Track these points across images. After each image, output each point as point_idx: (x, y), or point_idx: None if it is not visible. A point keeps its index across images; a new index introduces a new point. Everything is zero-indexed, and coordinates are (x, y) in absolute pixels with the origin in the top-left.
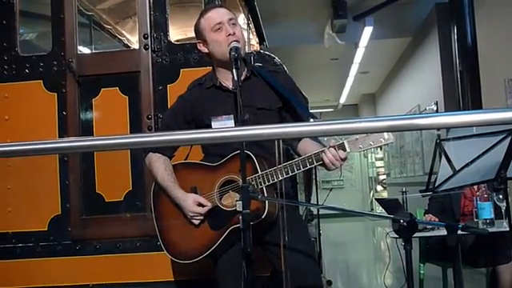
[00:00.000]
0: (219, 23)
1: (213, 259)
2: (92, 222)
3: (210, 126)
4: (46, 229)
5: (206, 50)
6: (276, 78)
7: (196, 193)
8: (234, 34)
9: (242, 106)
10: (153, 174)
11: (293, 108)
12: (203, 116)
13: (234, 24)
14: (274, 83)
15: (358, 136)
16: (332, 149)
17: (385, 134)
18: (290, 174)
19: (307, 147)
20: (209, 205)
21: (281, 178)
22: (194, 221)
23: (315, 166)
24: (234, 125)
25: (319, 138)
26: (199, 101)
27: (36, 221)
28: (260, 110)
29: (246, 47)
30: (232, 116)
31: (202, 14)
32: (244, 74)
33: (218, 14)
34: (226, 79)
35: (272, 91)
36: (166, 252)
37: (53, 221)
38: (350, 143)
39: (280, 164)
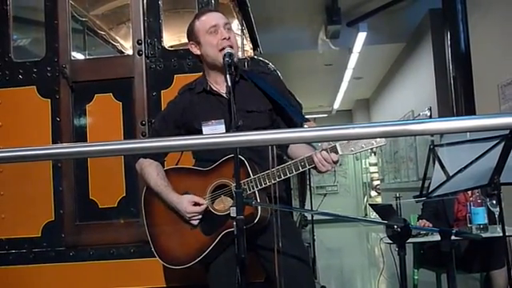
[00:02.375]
0: (215, 26)
1: (205, 265)
2: (85, 229)
3: (200, 131)
4: (39, 235)
5: (198, 52)
6: (265, 79)
7: None
8: (229, 38)
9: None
10: (145, 180)
11: (283, 110)
12: (194, 121)
13: (228, 29)
14: (263, 85)
15: None
16: (323, 151)
17: None
18: (283, 178)
19: (298, 150)
20: (205, 203)
21: (273, 182)
22: (192, 221)
23: (309, 171)
24: (224, 130)
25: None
26: (190, 106)
27: (29, 227)
28: (250, 113)
29: (240, 53)
30: (223, 121)
31: (196, 17)
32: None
33: (214, 18)
34: (217, 83)
35: (262, 93)
36: (158, 258)
37: (46, 227)
38: (342, 146)
39: (274, 166)
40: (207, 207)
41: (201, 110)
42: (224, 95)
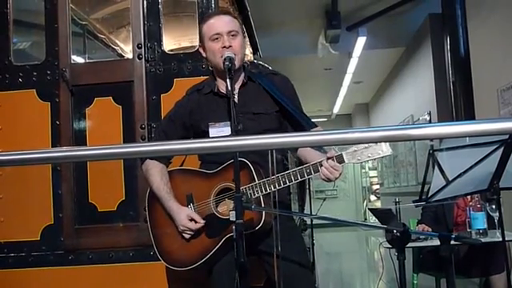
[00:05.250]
0: (217, 33)
1: (207, 268)
2: (85, 232)
3: (207, 133)
4: (38, 238)
5: (204, 55)
6: (273, 80)
7: (192, 200)
8: (230, 46)
9: (239, 112)
10: (149, 182)
11: (290, 113)
12: (201, 122)
13: (233, 35)
14: (270, 87)
15: (356, 148)
16: (327, 163)
17: (383, 146)
18: (287, 184)
19: (307, 154)
20: (201, 222)
21: (278, 188)
22: (184, 235)
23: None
24: (230, 132)
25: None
26: (197, 107)
27: (28, 230)
28: (257, 115)
29: (245, 57)
30: (229, 123)
31: (205, 19)
32: (241, 79)
33: (219, 24)
34: (224, 85)
35: (269, 95)
36: (160, 258)
37: (45, 230)
38: (349, 155)
39: (274, 172)
40: (211, 210)
41: (208, 111)
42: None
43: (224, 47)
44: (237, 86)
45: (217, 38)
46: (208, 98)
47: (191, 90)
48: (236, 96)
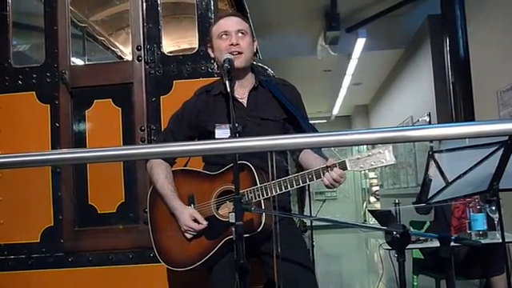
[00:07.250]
0: (225, 31)
1: (206, 269)
2: (84, 234)
3: (213, 134)
4: (38, 241)
5: (212, 55)
6: (283, 90)
7: (193, 201)
8: (238, 44)
9: (246, 115)
10: (153, 180)
11: (296, 121)
12: (207, 123)
13: (242, 34)
14: (279, 95)
15: (359, 155)
16: (333, 172)
17: (386, 155)
18: (289, 189)
19: (308, 160)
20: (204, 223)
21: (279, 193)
22: (186, 234)
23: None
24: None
25: (322, 151)
26: (205, 107)
27: (28, 232)
28: (264, 121)
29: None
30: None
31: (216, 20)
32: (252, 83)
33: (228, 23)
34: (235, 87)
35: (278, 103)
36: (158, 256)
37: (45, 232)
38: (352, 162)
39: (273, 176)
40: (211, 212)
41: (215, 112)
42: (239, 100)
43: (231, 44)
44: (247, 90)
45: (225, 36)
46: (216, 100)
47: (200, 91)
48: (245, 99)
